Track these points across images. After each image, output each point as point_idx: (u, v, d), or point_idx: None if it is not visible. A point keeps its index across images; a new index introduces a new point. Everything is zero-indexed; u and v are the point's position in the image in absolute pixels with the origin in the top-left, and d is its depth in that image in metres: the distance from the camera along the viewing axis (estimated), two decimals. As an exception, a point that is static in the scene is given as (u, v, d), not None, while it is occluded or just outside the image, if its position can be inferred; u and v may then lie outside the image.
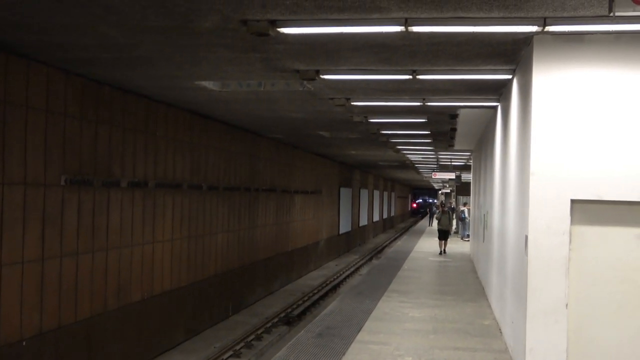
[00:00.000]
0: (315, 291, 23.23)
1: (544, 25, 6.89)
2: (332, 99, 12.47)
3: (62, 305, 10.35)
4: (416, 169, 40.67)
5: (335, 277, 26.95)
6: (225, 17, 7.14)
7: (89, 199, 10.97)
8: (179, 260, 14.58)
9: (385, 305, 13.50)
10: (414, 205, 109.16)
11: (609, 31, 7.17)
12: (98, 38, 8.26)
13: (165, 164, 13.75)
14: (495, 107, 12.93)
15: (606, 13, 5.89)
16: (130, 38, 8.24)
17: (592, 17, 6.68)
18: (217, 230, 16.86)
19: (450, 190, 50.65)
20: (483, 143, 17.62)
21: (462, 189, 36.17)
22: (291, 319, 18.37)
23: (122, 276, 12.10)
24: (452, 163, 31.69)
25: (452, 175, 34.85)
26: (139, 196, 12.65)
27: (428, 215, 60.06)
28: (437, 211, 28.60)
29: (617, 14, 5.60)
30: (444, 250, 25.50)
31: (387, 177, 57.01)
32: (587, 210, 7.54)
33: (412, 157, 29.83)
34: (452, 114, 14.36)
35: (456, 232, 34.87)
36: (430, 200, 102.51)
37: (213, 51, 8.86)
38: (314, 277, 26.92)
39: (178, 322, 14.62)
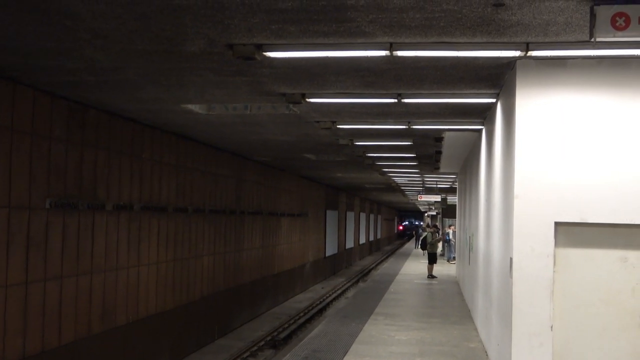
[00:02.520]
0: (302, 314, 23.14)
1: (527, 50, 6.99)
2: (318, 122, 12.53)
3: (45, 329, 10.26)
4: (402, 192, 40.79)
5: (321, 300, 26.87)
6: (211, 41, 7.19)
7: (73, 222, 10.92)
8: (165, 283, 14.51)
9: (372, 328, 13.47)
10: (400, 227, 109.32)
11: (590, 56, 7.29)
12: (84, 61, 8.28)
13: (151, 187, 13.73)
14: (479, 130, 13.03)
15: (587, 38, 5.99)
16: (117, 61, 8.27)
17: (574, 42, 6.79)
18: (202, 253, 16.80)
19: (437, 212, 50.74)
20: (468, 166, 17.72)
21: (448, 211, 36.27)
22: (277, 343, 18.28)
23: (106, 300, 12.02)
24: (438, 185, 31.82)
25: (437, 198, 34.94)
26: (124, 219, 12.60)
27: (414, 237, 60.02)
28: (427, 233, 27.79)
29: (597, 39, 5.69)
30: (428, 274, 24.83)
31: (373, 199, 57.10)
32: (571, 233, 7.59)
33: (398, 180, 29.94)
34: (437, 137, 14.45)
35: (442, 255, 34.90)
36: (417, 223, 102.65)
37: (199, 75, 8.90)
38: (300, 300, 26.83)
39: (163, 346, 14.51)
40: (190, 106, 11.34)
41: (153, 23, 6.66)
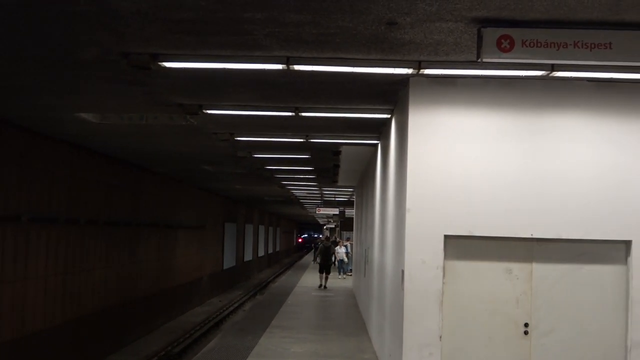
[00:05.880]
0: (197, 328, 22.83)
1: (419, 68, 7.22)
2: (216, 133, 12.46)
3: None
4: (301, 204, 41.01)
5: (218, 313, 26.61)
6: (105, 49, 7.04)
7: (-44, 233, 10.41)
8: (54, 297, 13.99)
9: (267, 342, 13.44)
10: (300, 240, 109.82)
11: (478, 76, 7.60)
12: (-30, 66, 7.95)
13: (41, 197, 13.24)
14: (376, 145, 13.30)
15: (475, 59, 6.25)
16: (8, 67, 7.97)
17: (463, 62, 7.06)
18: (95, 266, 16.33)
19: (335, 225, 51.28)
20: (365, 180, 18.04)
21: (346, 224, 36.76)
22: (171, 357, 17.96)
23: (-10, 315, 11.49)
24: (336, 199, 32.20)
25: (336, 211, 35.37)
26: (11, 230, 12.09)
27: (313, 250, 60.35)
28: (320, 245, 28.89)
29: (484, 60, 5.94)
30: (325, 284, 25.98)
31: (272, 212, 57.12)
32: (459, 246, 7.85)
33: (297, 193, 30.10)
34: (334, 151, 14.65)
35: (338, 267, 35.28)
36: (316, 236, 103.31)
37: (93, 83, 8.69)
38: (197, 314, 26.48)
39: (51, 362, 13.99)
40: (84, 115, 11.04)
41: (45, 29, 6.47)
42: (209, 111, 10.06)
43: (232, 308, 28.13)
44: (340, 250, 31.80)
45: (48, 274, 13.67)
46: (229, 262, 36.59)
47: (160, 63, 7.23)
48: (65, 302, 14.59)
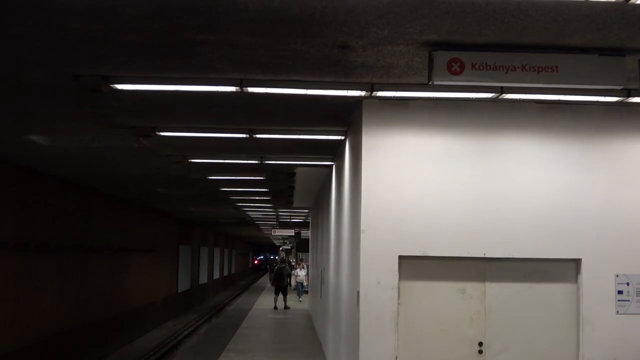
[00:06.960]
0: (152, 353, 22.45)
1: (372, 90, 7.28)
2: (169, 155, 12.35)
3: None
4: (257, 226, 40.83)
5: (173, 337, 26.22)
6: (55, 71, 6.95)
7: None
8: (2, 323, 13.63)
9: (223, 365, 13.31)
10: (256, 262, 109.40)
11: (430, 98, 7.69)
12: None
13: (-11, 222, 12.94)
14: (330, 166, 13.34)
15: (426, 81, 6.33)
16: (-48, 89, 7.81)
17: (415, 84, 7.16)
18: (46, 291, 15.97)
19: (291, 246, 51.13)
20: (320, 201, 18.06)
21: (302, 245, 36.72)
22: (125, 383, 17.63)
23: None
24: (292, 220, 32.14)
25: (291, 232, 35.30)
26: (-42, 256, 11.79)
27: (269, 272, 60.10)
28: (276, 267, 29.03)
29: (435, 82, 6.02)
30: (285, 304, 26.06)
31: (227, 234, 56.73)
32: (413, 266, 7.89)
33: (252, 214, 29.98)
34: (289, 172, 14.65)
35: (295, 289, 35.18)
36: (272, 257, 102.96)
37: (43, 105, 8.56)
38: (151, 338, 26.05)
39: (-1, 391, 13.59)
40: (34, 137, 10.84)
41: (-8, 50, 6.37)
42: (162, 133, 9.99)
43: (187, 332, 27.74)
44: (301, 273, 31.75)
45: (-4, 300, 13.33)
46: (183, 285, 36.16)
47: (111, 85, 7.15)
48: (15, 328, 14.22)
